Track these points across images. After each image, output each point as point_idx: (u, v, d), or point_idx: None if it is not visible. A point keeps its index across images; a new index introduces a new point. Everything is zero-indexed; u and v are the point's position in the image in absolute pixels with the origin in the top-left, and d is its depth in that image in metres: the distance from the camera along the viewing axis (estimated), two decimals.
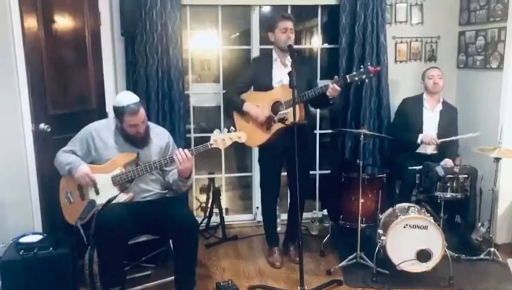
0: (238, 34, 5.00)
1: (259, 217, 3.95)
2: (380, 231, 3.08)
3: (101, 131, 2.83)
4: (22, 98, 2.92)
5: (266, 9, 4.15)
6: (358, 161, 3.14)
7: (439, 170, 3.11)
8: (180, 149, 2.72)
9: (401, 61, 4.05)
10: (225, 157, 4.14)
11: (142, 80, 3.62)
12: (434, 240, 2.94)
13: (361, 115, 3.86)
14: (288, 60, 3.08)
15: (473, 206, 3.43)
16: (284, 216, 3.72)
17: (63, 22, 3.23)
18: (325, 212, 4.09)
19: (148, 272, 3.10)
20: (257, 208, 4.11)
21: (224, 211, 3.97)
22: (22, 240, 2.73)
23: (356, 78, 3.04)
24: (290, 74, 2.76)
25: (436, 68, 3.68)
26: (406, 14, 3.98)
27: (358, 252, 3.20)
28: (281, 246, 3.51)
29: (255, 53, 3.92)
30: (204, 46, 4.62)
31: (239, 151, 4.71)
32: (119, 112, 2.71)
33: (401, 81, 4.04)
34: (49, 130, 3.04)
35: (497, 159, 3.19)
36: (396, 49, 4.02)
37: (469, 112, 3.86)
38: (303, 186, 3.07)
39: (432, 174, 3.14)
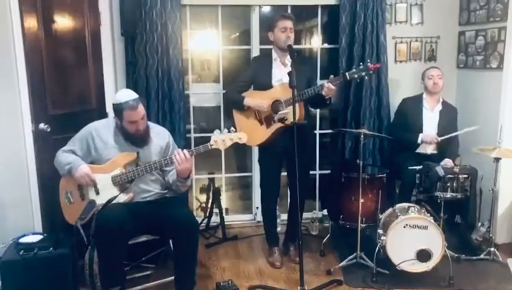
0: (238, 34, 5.00)
1: (259, 217, 3.95)
2: (380, 231, 3.08)
3: (101, 131, 2.83)
4: (22, 98, 2.92)
5: (266, 9, 4.15)
6: (358, 161, 3.14)
7: (439, 170, 3.11)
8: (179, 150, 2.72)
9: (401, 61, 4.05)
10: (225, 157, 4.14)
11: (142, 79, 3.62)
12: (434, 240, 2.94)
13: (361, 115, 3.86)
14: (288, 60, 3.07)
15: (473, 206, 3.43)
16: (284, 216, 3.72)
17: (63, 22, 3.23)
18: (325, 212, 4.09)
19: (148, 272, 3.10)
20: (257, 208, 4.11)
21: (224, 211, 3.97)
22: (22, 240, 2.73)
23: (355, 76, 3.04)
24: (289, 73, 2.77)
25: (436, 68, 3.68)
26: (405, 14, 3.99)
27: (358, 252, 3.20)
28: (281, 246, 3.51)
29: (255, 53, 3.92)
30: (204, 46, 4.62)
31: (239, 151, 4.71)
32: (118, 109, 2.71)
33: (401, 81, 4.05)
34: (49, 130, 3.04)
35: (497, 159, 3.19)
36: (396, 49, 4.02)
37: (469, 112, 3.86)
38: (303, 186, 3.07)
39: (432, 174, 3.14)
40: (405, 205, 3.15)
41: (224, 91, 3.90)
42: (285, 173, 3.42)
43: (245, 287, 3.02)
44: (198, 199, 4.23)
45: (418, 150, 3.63)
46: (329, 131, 4.27)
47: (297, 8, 4.04)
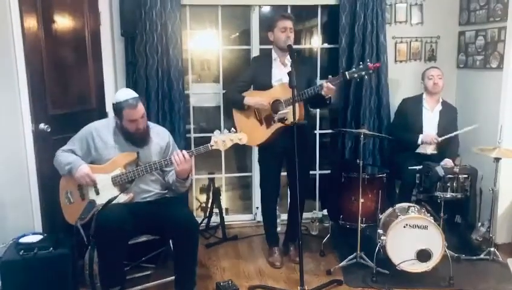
0: (238, 34, 5.00)
1: (259, 217, 3.95)
2: (380, 231, 3.08)
3: (101, 130, 2.83)
4: (22, 98, 2.92)
5: (266, 9, 4.15)
6: (358, 161, 3.14)
7: (439, 170, 3.11)
8: (179, 151, 2.72)
9: (401, 61, 4.05)
10: (225, 157, 4.14)
11: (142, 80, 3.62)
12: (434, 240, 2.94)
13: (361, 115, 3.86)
14: (288, 60, 3.08)
15: (473, 206, 3.43)
16: (284, 216, 3.72)
17: (63, 22, 3.23)
18: (325, 212, 4.09)
19: (148, 272, 3.10)
20: (257, 208, 4.11)
21: (224, 211, 3.97)
22: (22, 240, 2.72)
23: (355, 75, 3.04)
24: (289, 73, 2.77)
25: (436, 68, 3.68)
26: (405, 14, 3.99)
27: (358, 252, 3.20)
28: (281, 246, 3.51)
29: (255, 53, 3.92)
30: (204, 46, 4.62)
31: (239, 151, 4.71)
32: (118, 108, 2.72)
33: (401, 81, 4.05)
34: (49, 130, 3.04)
35: (497, 159, 3.19)
36: (396, 49, 4.03)
37: (469, 111, 3.86)
38: (303, 186, 3.07)
39: (432, 174, 3.14)
40: (405, 205, 3.15)
41: (224, 91, 3.90)
42: (285, 173, 3.42)
43: (245, 287, 3.02)
44: (198, 199, 4.23)
45: (418, 150, 3.63)
46: (329, 131, 4.27)
47: (297, 8, 4.04)
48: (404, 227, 2.97)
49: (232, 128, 2.73)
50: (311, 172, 3.80)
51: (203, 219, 3.98)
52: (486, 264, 3.26)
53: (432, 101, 3.66)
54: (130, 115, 2.70)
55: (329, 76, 3.06)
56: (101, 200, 2.69)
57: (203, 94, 4.33)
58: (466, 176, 3.18)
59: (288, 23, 3.12)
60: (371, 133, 3.40)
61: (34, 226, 3.04)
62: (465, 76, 4.01)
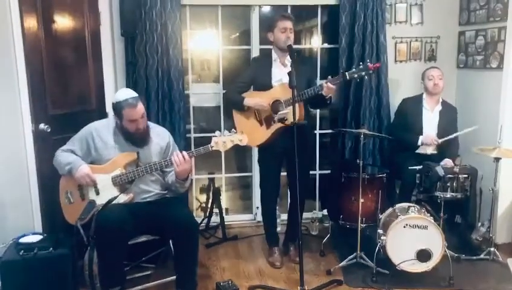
0: (238, 34, 5.00)
1: (259, 217, 3.95)
2: (380, 231, 3.08)
3: (101, 131, 2.83)
4: (22, 98, 2.92)
5: (266, 9, 4.15)
6: (358, 161, 3.14)
7: (439, 170, 3.11)
8: (179, 151, 2.72)
9: (401, 61, 4.05)
10: (225, 158, 4.14)
11: (142, 80, 3.62)
12: (434, 240, 2.94)
13: (361, 115, 3.86)
14: (288, 60, 3.08)
15: (473, 206, 3.43)
16: (284, 216, 3.71)
17: (63, 22, 3.23)
18: (325, 212, 4.09)
19: (148, 272, 3.10)
20: (257, 208, 4.11)
21: (224, 211, 3.97)
22: (22, 240, 2.73)
23: (355, 75, 3.03)
24: (289, 73, 2.76)
25: (436, 68, 3.68)
26: (405, 14, 3.98)
27: (358, 252, 3.20)
28: (281, 246, 3.51)
29: (255, 53, 3.92)
30: (204, 46, 4.62)
31: (239, 151, 4.70)
32: (118, 107, 2.72)
33: (401, 81, 4.04)
34: (49, 130, 3.04)
35: (497, 159, 3.19)
36: (396, 49, 4.02)
37: (469, 111, 3.86)
38: (303, 186, 3.07)
39: (431, 174, 3.14)
40: (405, 205, 3.15)
41: (224, 91, 3.90)
42: (285, 173, 3.42)
43: (245, 287, 3.02)
44: (198, 199, 4.23)
45: (418, 151, 3.63)
46: (329, 131, 4.27)
47: (297, 8, 4.04)
48: (404, 227, 2.97)
49: (233, 130, 2.73)
50: (311, 172, 3.80)
51: (203, 219, 3.98)
52: (486, 264, 3.26)
53: (431, 101, 3.66)
54: (130, 114, 2.69)
55: (329, 76, 3.06)
56: (101, 201, 2.68)
57: (203, 94, 4.34)
58: (466, 176, 3.18)
59: (288, 24, 3.12)
60: (371, 133, 3.40)
61: (34, 226, 3.04)
62: (465, 76, 4.01)
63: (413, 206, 3.10)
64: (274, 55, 3.22)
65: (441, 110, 3.65)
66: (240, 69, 4.04)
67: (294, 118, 2.76)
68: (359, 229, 3.18)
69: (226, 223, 3.91)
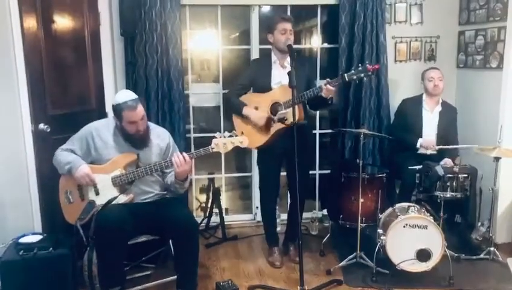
0: (237, 34, 5.00)
1: (259, 217, 3.95)
2: (380, 231, 3.08)
3: (101, 130, 2.82)
4: (22, 98, 2.92)
5: (266, 9, 4.15)
6: (358, 161, 3.14)
7: (439, 170, 3.11)
8: (179, 152, 2.72)
9: (400, 61, 4.05)
10: (225, 158, 4.14)
11: (142, 80, 3.62)
12: (434, 239, 2.94)
13: (361, 115, 3.86)
14: (287, 62, 3.09)
15: (473, 206, 3.43)
16: (284, 216, 3.71)
17: (63, 22, 3.23)
18: (325, 212, 4.09)
19: (148, 272, 3.09)
20: (257, 208, 4.11)
21: (224, 211, 3.97)
22: (22, 240, 2.73)
23: (354, 77, 3.03)
24: (289, 73, 2.76)
25: (436, 69, 3.67)
26: (405, 13, 3.98)
27: (358, 251, 3.20)
28: (281, 246, 3.51)
29: (255, 53, 3.92)
30: (203, 46, 4.62)
31: (239, 151, 4.63)
32: (117, 109, 2.71)
33: (401, 81, 4.04)
34: (48, 130, 3.04)
35: (497, 159, 3.19)
36: (396, 48, 4.02)
37: (469, 111, 3.86)
38: (303, 186, 3.07)
39: (431, 174, 3.14)
40: (405, 204, 3.15)
41: (224, 91, 3.90)
42: (285, 173, 3.42)
43: (245, 287, 3.02)
44: (198, 199, 4.23)
45: (418, 151, 3.63)
46: (329, 131, 4.27)
47: (297, 8, 4.04)
48: (404, 227, 2.97)
49: (234, 131, 2.73)
50: (311, 172, 3.80)
51: (203, 219, 3.98)
52: (486, 263, 3.26)
53: (431, 102, 3.66)
54: (130, 116, 2.69)
55: (328, 79, 3.06)
56: (100, 201, 2.69)
57: (203, 94, 4.33)
58: (466, 175, 3.18)
59: (288, 26, 3.11)
60: (370, 132, 3.40)
61: (34, 226, 3.03)
62: (465, 76, 4.01)
63: (413, 206, 3.10)
64: (273, 57, 3.22)
65: (441, 110, 3.65)
66: (240, 69, 4.04)
67: (294, 118, 2.76)
68: (359, 229, 3.18)
69: (225, 223, 3.91)
